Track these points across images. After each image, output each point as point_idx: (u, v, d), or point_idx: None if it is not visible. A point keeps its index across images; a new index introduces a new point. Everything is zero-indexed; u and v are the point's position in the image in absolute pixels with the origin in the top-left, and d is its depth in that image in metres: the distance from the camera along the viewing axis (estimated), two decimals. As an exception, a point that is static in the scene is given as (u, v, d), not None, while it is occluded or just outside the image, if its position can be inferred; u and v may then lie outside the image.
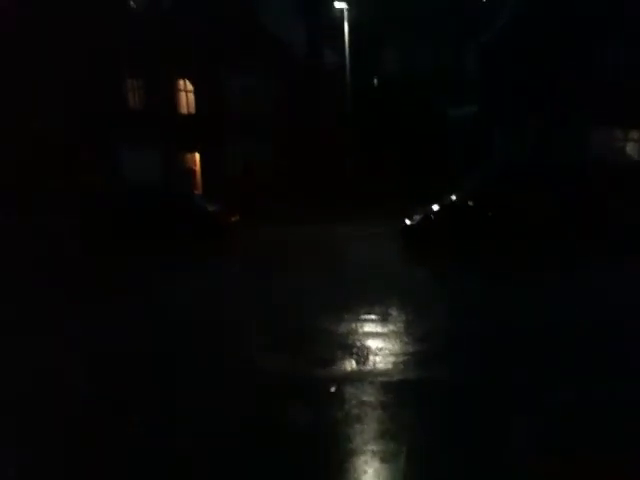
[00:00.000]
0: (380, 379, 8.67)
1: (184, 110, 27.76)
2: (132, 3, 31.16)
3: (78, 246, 18.50)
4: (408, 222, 17.19)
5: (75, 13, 24.99)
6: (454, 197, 16.98)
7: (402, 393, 8.23)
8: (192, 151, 27.95)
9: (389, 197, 22.81)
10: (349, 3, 26.32)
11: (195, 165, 28.20)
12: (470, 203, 16.59)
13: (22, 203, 22.12)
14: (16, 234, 20.72)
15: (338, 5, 26.69)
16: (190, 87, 27.70)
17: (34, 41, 24.44)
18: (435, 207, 17.09)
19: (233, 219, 20.05)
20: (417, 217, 17.13)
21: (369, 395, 8.13)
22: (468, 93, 29.86)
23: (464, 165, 24.46)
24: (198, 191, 26.78)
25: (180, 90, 27.81)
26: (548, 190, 16.28)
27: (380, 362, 9.29)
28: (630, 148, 25.34)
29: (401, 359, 9.36)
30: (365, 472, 6.47)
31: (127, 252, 17.62)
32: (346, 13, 26.27)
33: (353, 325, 11.04)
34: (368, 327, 10.98)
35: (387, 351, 9.74)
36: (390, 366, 9.14)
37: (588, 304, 11.74)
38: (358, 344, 10.07)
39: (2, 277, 15.52)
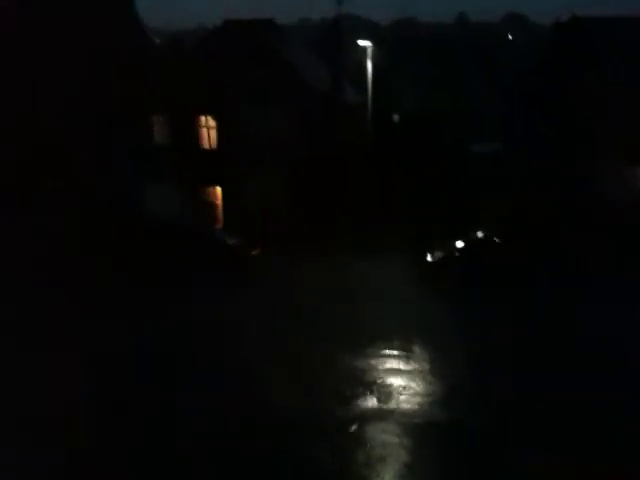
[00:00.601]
0: (402, 419, 8.42)
1: (206, 145, 27.99)
2: (158, 41, 31.69)
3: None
4: (429, 258, 16.99)
5: (105, 51, 25.43)
6: (479, 234, 16.77)
7: (424, 435, 7.97)
8: (214, 185, 28.08)
9: (409, 233, 22.64)
10: (373, 41, 26.57)
11: (217, 199, 28.30)
12: (497, 240, 16.35)
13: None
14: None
15: (362, 43, 26.93)
16: (212, 123, 27.97)
17: (68, 79, 24.84)
18: (458, 243, 16.89)
19: (253, 252, 19.99)
20: (439, 253, 16.93)
21: (391, 435, 7.89)
22: (490, 130, 29.85)
23: (487, 202, 24.28)
24: (219, 225, 26.82)
25: (202, 126, 28.10)
26: (576, 229, 16.04)
27: (403, 401, 9.05)
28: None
29: (424, 399, 9.12)
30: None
31: (146, 285, 17.48)
32: (369, 51, 26.48)
33: (374, 361, 10.82)
34: (390, 364, 10.75)
35: (410, 390, 9.50)
36: (413, 406, 8.90)
37: (625, 346, 11.37)
38: (379, 381, 9.85)
39: None
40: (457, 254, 16.62)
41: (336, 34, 29.66)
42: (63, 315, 14.05)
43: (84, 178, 24.62)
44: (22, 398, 8.33)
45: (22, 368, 9.67)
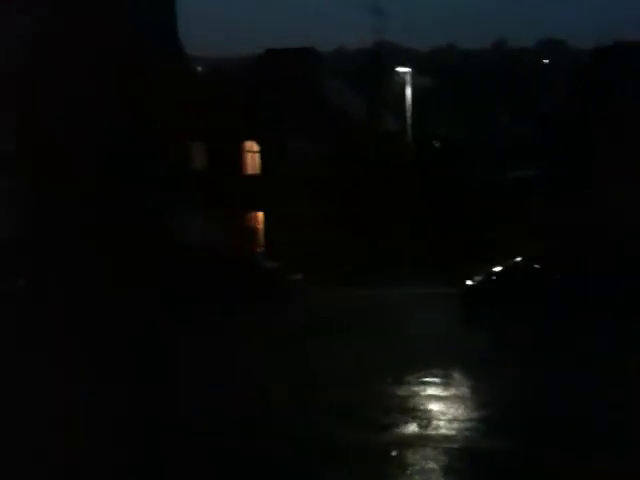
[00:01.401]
0: (443, 445, 8.55)
1: (248, 171, 28.58)
2: (200, 68, 32.51)
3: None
4: (470, 283, 17.08)
5: (144, 77, 26.14)
6: (518, 259, 16.82)
7: (464, 461, 8.07)
8: (256, 210, 28.61)
9: (450, 258, 22.73)
10: (412, 68, 26.91)
11: (258, 224, 28.81)
12: (536, 265, 16.38)
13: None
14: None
15: (400, 70, 27.33)
16: (254, 149, 28.57)
17: (110, 106, 25.59)
18: (497, 268, 16.96)
19: (294, 277, 20.29)
20: (479, 278, 17.02)
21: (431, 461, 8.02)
22: (528, 156, 29.80)
23: (525, 227, 24.24)
24: (261, 249, 27.28)
25: (244, 152, 28.72)
26: (616, 255, 15.99)
27: (443, 427, 9.18)
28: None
29: (463, 425, 9.23)
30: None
31: (188, 313, 17.71)
32: (408, 78, 26.86)
33: (415, 388, 10.96)
34: (430, 390, 10.89)
35: (449, 416, 9.62)
36: (453, 432, 9.01)
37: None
38: (420, 407, 9.99)
39: None
40: (495, 279, 16.68)
41: (375, 62, 30.12)
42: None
43: (125, 205, 25.27)
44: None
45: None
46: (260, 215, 28.81)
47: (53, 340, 14.61)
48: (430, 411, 9.86)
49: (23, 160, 25.54)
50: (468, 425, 9.21)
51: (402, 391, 10.86)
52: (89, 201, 24.58)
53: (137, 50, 25.93)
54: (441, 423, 9.31)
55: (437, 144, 32.04)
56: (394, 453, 8.21)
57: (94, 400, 10.45)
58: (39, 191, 25.12)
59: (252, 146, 28.63)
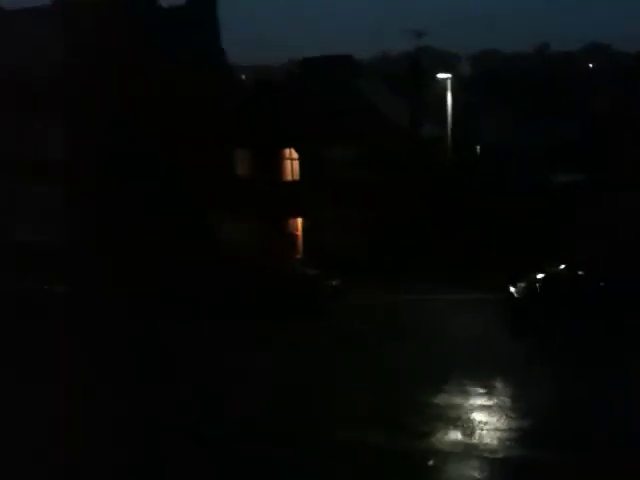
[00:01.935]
0: (485, 455, 8.40)
1: (288, 177, 28.68)
2: (243, 77, 32.79)
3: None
4: (513, 290, 16.79)
5: (188, 89, 26.53)
6: (562, 266, 16.46)
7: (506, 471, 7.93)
8: (295, 217, 28.67)
9: (492, 264, 22.38)
10: (454, 72, 26.69)
11: (297, 230, 28.85)
12: (580, 272, 16.01)
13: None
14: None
15: (441, 76, 27.11)
16: (295, 155, 28.66)
17: (157, 117, 25.97)
18: (540, 275, 16.64)
19: (333, 283, 20.22)
20: (522, 285, 16.71)
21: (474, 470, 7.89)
22: (572, 161, 29.27)
23: (569, 233, 23.78)
24: (299, 255, 27.30)
25: (285, 159, 28.83)
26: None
27: (485, 436, 9.02)
28: None
29: (506, 435, 9.06)
30: None
31: (226, 317, 17.74)
32: (449, 84, 26.62)
33: (456, 397, 10.80)
34: (473, 400, 10.71)
35: (492, 425, 9.46)
36: (495, 441, 8.86)
37: None
38: (463, 417, 9.84)
39: None
40: (539, 286, 16.36)
41: (415, 67, 29.97)
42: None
43: (167, 212, 25.63)
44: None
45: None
46: (299, 221, 28.86)
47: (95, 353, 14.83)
48: (475, 420, 9.70)
49: (68, 169, 26.17)
50: (512, 435, 9.05)
51: (442, 400, 10.72)
52: (133, 209, 24.99)
53: (184, 62, 26.37)
54: (483, 432, 9.17)
55: (478, 149, 31.69)
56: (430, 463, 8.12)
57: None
58: (83, 200, 25.67)
59: (292, 153, 28.76)
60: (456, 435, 9.12)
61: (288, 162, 28.86)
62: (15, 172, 26.94)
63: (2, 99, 26.79)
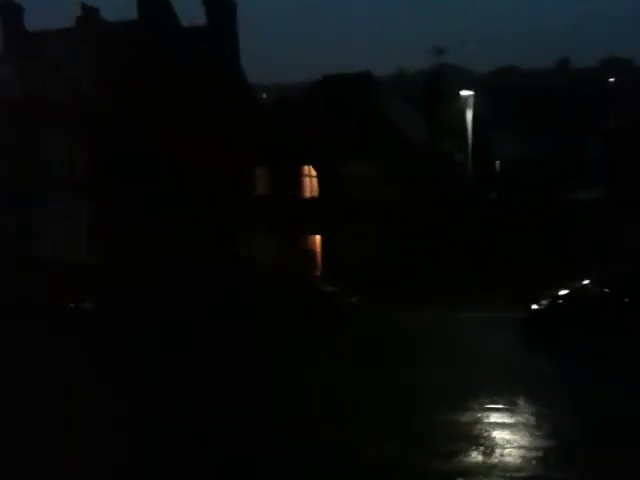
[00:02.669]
0: (507, 475, 8.26)
1: (307, 194, 28.76)
2: (264, 95, 33.06)
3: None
4: (535, 307, 16.60)
5: (209, 108, 26.78)
6: (586, 281, 16.24)
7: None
8: (313, 233, 28.71)
9: (513, 281, 22.20)
10: (473, 89, 26.71)
11: (316, 247, 28.87)
12: (605, 290, 15.78)
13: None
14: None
15: (461, 93, 27.13)
16: (313, 172, 28.76)
17: (180, 137, 26.22)
18: (563, 292, 16.44)
19: (351, 300, 20.15)
20: (545, 302, 16.51)
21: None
22: (593, 177, 29.07)
23: (592, 249, 23.56)
24: (318, 272, 27.29)
25: (303, 176, 28.93)
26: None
27: (507, 456, 8.88)
28: None
29: (528, 454, 8.90)
30: None
31: (245, 333, 17.69)
32: (469, 101, 26.62)
33: (478, 415, 10.66)
34: (494, 417, 10.57)
35: (515, 444, 9.31)
36: (517, 461, 8.71)
37: None
38: (484, 435, 9.70)
39: None
40: (562, 303, 16.16)
41: (433, 84, 30.03)
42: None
43: (192, 229, 25.75)
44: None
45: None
46: (317, 238, 28.88)
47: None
48: (496, 438, 9.56)
49: (94, 187, 26.49)
50: (535, 454, 8.89)
51: (463, 417, 10.59)
52: (158, 227, 25.21)
53: (205, 81, 26.70)
54: (505, 451, 9.03)
55: (498, 164, 31.62)
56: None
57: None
58: (110, 217, 25.93)
59: (310, 170, 28.86)
60: (480, 455, 8.98)
61: (307, 179, 28.96)
62: (39, 188, 27.34)
63: (28, 117, 27.28)
